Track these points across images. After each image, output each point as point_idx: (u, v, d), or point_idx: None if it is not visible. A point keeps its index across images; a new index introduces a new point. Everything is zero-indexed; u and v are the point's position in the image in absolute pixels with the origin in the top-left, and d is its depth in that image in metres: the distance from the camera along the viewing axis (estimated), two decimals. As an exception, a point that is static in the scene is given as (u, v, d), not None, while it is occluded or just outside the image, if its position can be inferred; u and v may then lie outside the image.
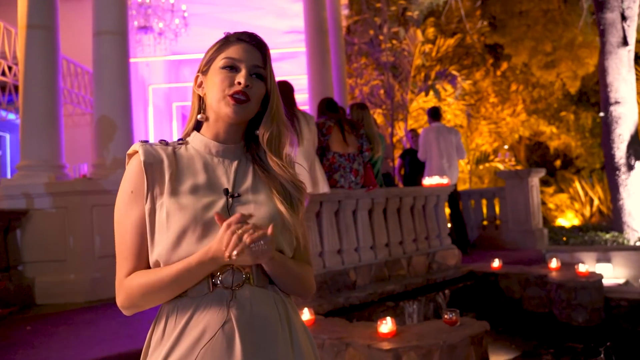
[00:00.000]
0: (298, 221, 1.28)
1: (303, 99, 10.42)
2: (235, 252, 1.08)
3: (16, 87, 7.79)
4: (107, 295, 4.89)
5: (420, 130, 9.26)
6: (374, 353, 3.07)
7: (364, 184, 5.02)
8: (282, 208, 1.25)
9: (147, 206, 1.20)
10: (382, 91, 10.99)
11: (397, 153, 11.57)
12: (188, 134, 1.32)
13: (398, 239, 5.37)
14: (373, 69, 11.40)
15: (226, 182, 1.25)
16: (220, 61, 1.24)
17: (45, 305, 4.92)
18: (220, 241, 1.10)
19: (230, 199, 1.22)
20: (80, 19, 7.49)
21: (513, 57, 13.48)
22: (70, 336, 3.68)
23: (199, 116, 1.29)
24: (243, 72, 1.23)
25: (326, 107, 5.22)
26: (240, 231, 1.09)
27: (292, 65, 12.14)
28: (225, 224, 1.11)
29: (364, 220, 5.00)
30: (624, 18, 8.30)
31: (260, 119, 1.29)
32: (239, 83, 1.21)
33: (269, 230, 1.13)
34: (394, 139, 11.58)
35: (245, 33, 1.28)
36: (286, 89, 4.67)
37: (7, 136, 11.68)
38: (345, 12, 11.71)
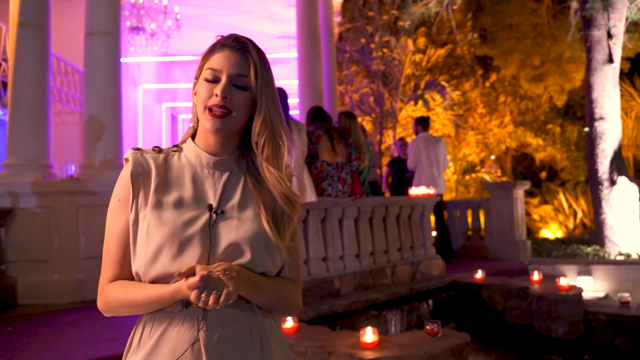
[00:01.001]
0: (283, 240, 1.25)
1: (293, 104, 10.43)
2: (200, 305, 1.10)
3: (5, 84, 7.75)
4: (92, 296, 4.86)
5: (409, 140, 9.34)
6: (356, 362, 3.10)
7: (351, 193, 5.06)
8: (267, 227, 1.22)
9: (132, 216, 1.21)
10: (372, 99, 11.06)
11: (386, 161, 11.65)
12: (184, 141, 1.30)
13: (383, 247, 5.41)
14: (363, 76, 11.47)
15: (212, 197, 1.23)
16: (205, 71, 1.22)
17: (27, 306, 4.89)
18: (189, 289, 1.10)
19: (213, 215, 1.21)
20: (72, 18, 7.47)
21: (502, 69, 13.65)
22: (52, 338, 3.67)
23: (191, 124, 1.29)
24: (222, 83, 1.19)
25: (315, 115, 5.22)
26: (204, 295, 1.09)
27: (283, 70, 12.15)
28: (194, 282, 1.08)
29: (349, 229, 5.04)
30: (610, 36, 8.45)
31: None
32: (216, 95, 1.19)
33: (230, 287, 1.10)
34: (382, 147, 11.66)
35: (230, 37, 1.24)
36: (279, 94, 4.70)
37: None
38: (337, 19, 11.78)
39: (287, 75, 11.76)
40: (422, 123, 7.75)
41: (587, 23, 8.67)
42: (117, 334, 3.50)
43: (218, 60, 1.21)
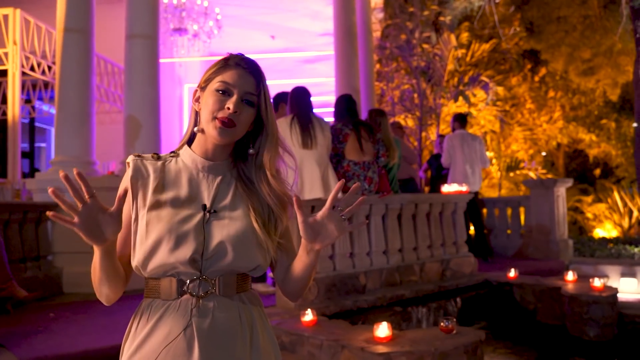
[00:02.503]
0: (271, 239, 1.38)
1: (333, 101, 10.52)
2: None
3: (46, 85, 8.21)
4: (130, 287, 5.12)
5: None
6: (367, 356, 3.17)
7: (378, 190, 5.10)
8: (256, 225, 1.35)
9: (133, 215, 1.34)
10: (415, 95, 10.99)
11: (428, 156, 11.56)
12: (181, 147, 1.44)
13: (412, 244, 5.42)
14: (405, 73, 11.41)
15: (206, 198, 1.36)
16: (216, 83, 1.34)
17: (71, 294, 5.20)
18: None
19: (207, 214, 1.34)
20: (119, 20, 7.81)
21: (550, 63, 13.26)
22: (87, 324, 3.91)
23: (195, 128, 1.40)
24: (234, 98, 1.32)
25: (346, 109, 5.14)
26: None
27: (326, 67, 12.24)
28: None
29: (377, 226, 5.08)
30: (660, 27, 8.09)
31: (248, 138, 1.40)
32: (228, 108, 1.32)
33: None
34: (427, 143, 11.58)
35: (243, 59, 1.37)
36: (305, 95, 4.79)
37: (52, 129, 12.23)
38: (379, 15, 11.77)
39: (329, 73, 11.84)
40: (460, 120, 7.71)
41: (637, 13, 8.33)
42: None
43: (232, 77, 1.34)
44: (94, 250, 1.28)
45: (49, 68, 7.89)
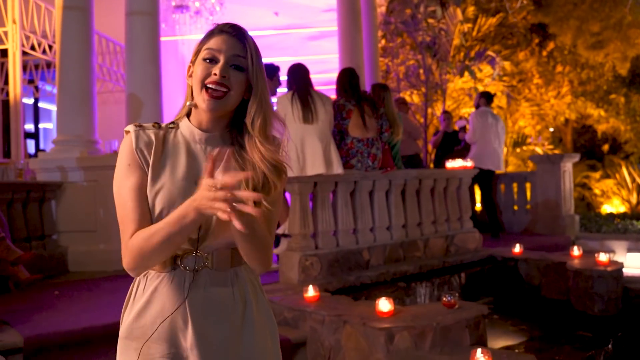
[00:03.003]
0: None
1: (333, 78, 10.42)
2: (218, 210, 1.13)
3: (49, 64, 8.17)
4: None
5: (455, 113, 9.17)
6: (368, 331, 3.17)
7: (381, 166, 5.06)
8: None
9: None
10: (420, 71, 10.85)
11: (433, 133, 11.46)
12: (180, 118, 1.41)
13: (416, 220, 5.40)
14: (410, 48, 11.25)
15: (203, 170, 1.33)
16: (203, 52, 1.32)
17: (76, 273, 5.24)
18: (206, 195, 1.14)
19: None
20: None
21: (558, 37, 13.03)
22: (91, 302, 3.94)
23: (188, 103, 1.38)
24: (221, 63, 1.29)
25: (349, 83, 5.00)
26: (224, 194, 1.12)
27: (331, 44, 12.04)
28: (216, 183, 1.13)
29: (380, 201, 5.05)
30: (672, -3, 7.90)
31: (244, 108, 1.36)
32: (215, 74, 1.29)
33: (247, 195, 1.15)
34: (432, 119, 11.46)
35: (227, 24, 1.34)
36: (302, 70, 4.74)
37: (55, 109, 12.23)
38: (384, -10, 11.56)
39: (334, 49, 11.70)
40: (486, 97, 7.66)
41: (647, -15, 8.14)
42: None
43: (216, 42, 1.32)
44: (188, 219, 1.20)
45: (50, 47, 7.84)
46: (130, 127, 1.35)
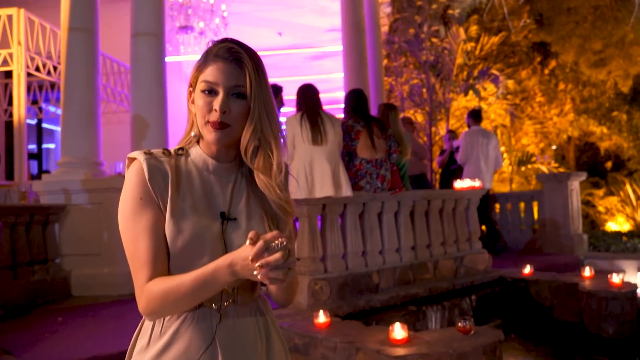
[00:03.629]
0: None
1: (342, 97, 10.42)
2: (263, 276, 1.05)
3: (53, 85, 8.16)
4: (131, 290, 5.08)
5: (460, 132, 9.14)
6: (382, 359, 3.07)
7: (390, 187, 5.00)
8: (268, 231, 1.27)
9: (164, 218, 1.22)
10: (424, 90, 10.86)
11: (438, 152, 11.42)
12: (189, 145, 1.32)
13: (425, 242, 5.32)
14: (414, 67, 11.27)
15: (222, 204, 1.27)
16: (200, 84, 1.23)
17: (80, 297, 5.14)
18: (248, 267, 1.06)
19: (225, 222, 1.25)
20: (125, 19, 7.76)
21: (560, 55, 13.06)
22: (95, 329, 3.84)
23: (192, 133, 1.30)
24: (220, 97, 1.21)
25: (356, 104, 4.93)
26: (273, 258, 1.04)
27: (334, 63, 12.12)
28: (262, 242, 1.05)
29: (389, 223, 4.98)
30: (676, 16, 7.91)
31: None
32: (216, 110, 1.21)
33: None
34: (437, 138, 11.44)
35: (222, 48, 1.23)
36: (311, 91, 4.69)
37: (60, 130, 12.22)
38: (387, 10, 11.63)
39: (337, 68, 11.72)
40: (474, 116, 7.63)
41: (650, 3, 8.15)
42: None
43: (212, 73, 1.22)
44: (222, 281, 1.14)
45: (55, 68, 7.83)
46: (139, 155, 1.24)
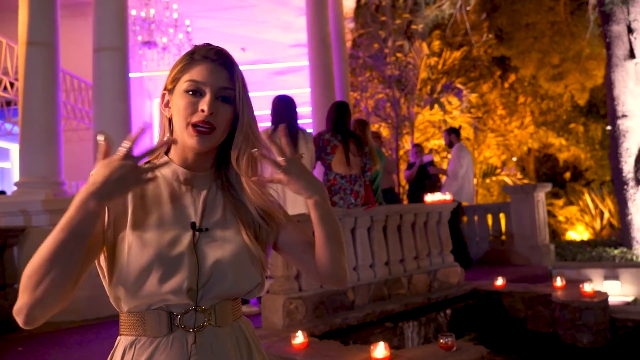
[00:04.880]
0: (263, 252, 1.20)
1: (308, 112, 10.40)
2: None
3: (9, 103, 7.86)
4: (103, 313, 4.87)
5: (426, 145, 9.22)
6: (366, 380, 2.99)
7: (363, 203, 4.94)
8: (248, 242, 1.17)
9: (108, 239, 1.12)
10: (388, 104, 10.94)
11: (403, 167, 11.49)
12: (157, 156, 1.22)
13: (398, 256, 5.27)
14: (378, 82, 11.36)
15: (193, 214, 1.17)
16: (184, 83, 1.15)
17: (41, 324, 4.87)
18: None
19: (197, 233, 1.14)
20: (86, 35, 7.55)
21: (520, 69, 13.41)
22: (59, 358, 3.63)
23: (165, 138, 1.19)
24: (207, 98, 1.13)
25: (338, 118, 4.82)
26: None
27: (298, 78, 12.14)
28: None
29: (362, 239, 4.92)
30: (630, 30, 8.20)
31: (231, 140, 1.21)
32: (202, 110, 1.13)
33: None
34: (401, 152, 11.52)
35: (212, 50, 1.17)
36: (288, 102, 4.58)
37: (15, 148, 11.77)
38: (350, 25, 11.71)
39: (301, 84, 11.73)
40: (456, 132, 7.72)
41: (606, 18, 8.44)
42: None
43: (201, 73, 1.15)
44: (79, 213, 1.00)
45: (12, 85, 7.54)
46: None
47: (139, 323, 1.12)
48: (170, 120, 1.20)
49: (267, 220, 1.22)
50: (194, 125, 1.13)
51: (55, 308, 1.04)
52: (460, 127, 8.00)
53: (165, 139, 1.19)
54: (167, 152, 1.22)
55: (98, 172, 1.02)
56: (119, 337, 1.16)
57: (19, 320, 1.03)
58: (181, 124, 1.15)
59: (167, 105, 1.20)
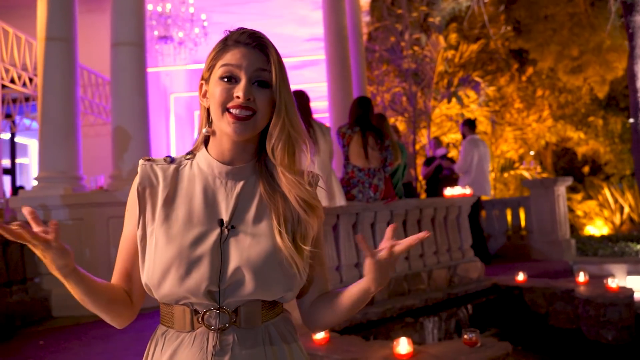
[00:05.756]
0: (299, 250, 1.13)
1: (324, 107, 10.35)
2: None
3: (27, 99, 7.91)
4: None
5: (444, 139, 9.13)
6: (389, 376, 2.95)
7: (383, 197, 4.89)
8: (280, 241, 1.11)
9: (139, 232, 1.12)
10: (404, 98, 10.84)
11: (420, 161, 11.41)
12: (198, 147, 1.19)
13: (418, 251, 5.22)
14: (395, 76, 11.26)
15: (224, 210, 1.12)
16: (219, 70, 1.10)
17: (61, 318, 4.90)
18: None
19: (225, 231, 1.10)
20: (102, 30, 7.56)
21: (539, 62, 13.22)
22: (81, 352, 3.63)
23: (204, 130, 1.16)
24: (242, 83, 1.08)
25: (355, 112, 4.79)
26: None
27: (313, 73, 12.08)
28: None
29: (382, 233, 4.86)
30: (654, 21, 8.02)
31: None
32: (238, 97, 1.08)
33: None
34: (417, 147, 11.43)
35: (244, 33, 1.12)
36: (302, 98, 4.56)
37: (35, 144, 11.87)
38: (366, 19, 11.61)
39: (317, 78, 11.67)
40: (470, 125, 7.59)
41: (629, 9, 8.27)
42: (144, 348, 3.43)
43: (234, 57, 1.09)
44: (69, 287, 1.09)
45: (30, 80, 7.58)
46: (140, 163, 1.17)
47: (169, 315, 1.12)
48: (208, 111, 1.15)
49: (307, 211, 1.15)
50: (231, 113, 1.08)
51: (131, 310, 1.20)
52: (476, 119, 7.86)
53: (203, 131, 1.16)
54: (206, 145, 1.18)
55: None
56: (159, 325, 1.17)
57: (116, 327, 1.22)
58: (217, 112, 1.10)
59: (204, 95, 1.16)
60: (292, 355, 1.16)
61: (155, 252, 1.08)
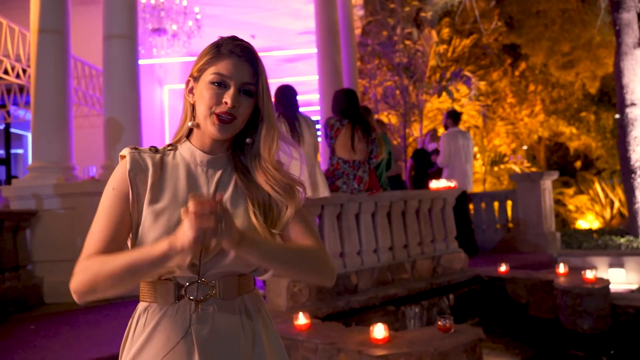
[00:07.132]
0: (271, 232, 1.28)
1: (316, 100, 10.44)
2: (191, 224, 1.04)
3: (22, 89, 7.98)
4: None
5: (437, 133, 9.20)
6: (364, 359, 3.07)
7: (367, 188, 5.00)
8: (255, 221, 1.27)
9: (135, 217, 1.24)
10: (397, 92, 10.94)
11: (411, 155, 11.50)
12: (179, 140, 1.34)
13: (402, 242, 5.35)
14: (387, 69, 11.35)
15: (205, 193, 1.27)
16: (210, 75, 1.25)
17: (53, 304, 5.02)
18: (182, 231, 1.06)
19: None
20: (95, 22, 7.63)
21: (531, 57, 13.31)
22: (71, 337, 3.76)
23: (189, 123, 1.31)
24: (231, 91, 1.24)
25: (342, 103, 4.85)
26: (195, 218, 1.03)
27: (307, 66, 12.16)
28: (185, 210, 1.06)
29: (366, 224, 4.99)
30: (640, 18, 8.14)
31: (247, 128, 1.31)
32: (226, 103, 1.23)
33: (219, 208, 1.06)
34: (410, 140, 11.53)
35: (238, 46, 1.27)
36: (289, 92, 4.68)
37: (29, 135, 11.95)
38: (360, 12, 11.69)
39: (310, 71, 11.74)
40: (453, 117, 7.63)
41: (616, 6, 8.38)
42: (132, 332, 3.55)
43: (227, 67, 1.25)
44: (157, 250, 1.10)
45: (24, 71, 7.66)
46: (126, 150, 1.28)
47: (152, 291, 1.24)
48: (193, 106, 1.30)
49: (285, 196, 1.30)
50: (218, 115, 1.24)
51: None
52: (462, 113, 7.90)
53: (189, 124, 1.31)
54: (188, 136, 1.34)
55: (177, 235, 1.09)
56: (139, 303, 1.27)
57: (78, 299, 1.18)
58: (205, 112, 1.25)
59: (191, 91, 1.31)
60: (265, 325, 1.32)
61: (142, 231, 1.21)
